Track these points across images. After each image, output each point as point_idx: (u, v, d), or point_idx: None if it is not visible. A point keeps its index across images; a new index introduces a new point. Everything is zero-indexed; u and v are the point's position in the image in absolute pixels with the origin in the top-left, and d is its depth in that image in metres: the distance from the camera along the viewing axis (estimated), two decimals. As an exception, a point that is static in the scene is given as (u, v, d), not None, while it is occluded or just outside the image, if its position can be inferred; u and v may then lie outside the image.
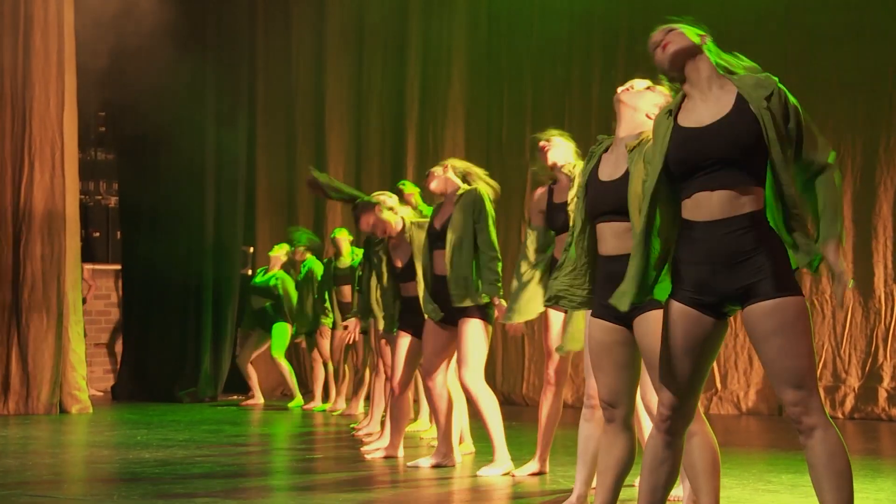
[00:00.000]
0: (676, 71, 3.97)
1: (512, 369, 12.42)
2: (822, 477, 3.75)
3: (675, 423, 3.93)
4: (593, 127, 11.14)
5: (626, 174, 4.35)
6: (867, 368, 10.69)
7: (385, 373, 8.64)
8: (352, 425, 9.92)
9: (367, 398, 10.47)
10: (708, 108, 3.88)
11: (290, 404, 12.35)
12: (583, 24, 12.26)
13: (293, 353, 13.67)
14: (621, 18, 11.98)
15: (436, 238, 7.26)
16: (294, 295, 12.13)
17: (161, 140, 13.19)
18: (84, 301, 12.34)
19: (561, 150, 6.63)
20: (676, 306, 3.88)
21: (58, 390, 11.13)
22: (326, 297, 11.60)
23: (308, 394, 12.64)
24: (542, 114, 12.10)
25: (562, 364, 6.70)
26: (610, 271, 4.31)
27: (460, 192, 7.27)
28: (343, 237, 11.28)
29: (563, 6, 12.38)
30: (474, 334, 7.10)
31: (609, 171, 4.44)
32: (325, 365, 12.02)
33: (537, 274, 6.57)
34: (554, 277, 4.60)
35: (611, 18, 12.04)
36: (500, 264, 7.15)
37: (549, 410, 6.78)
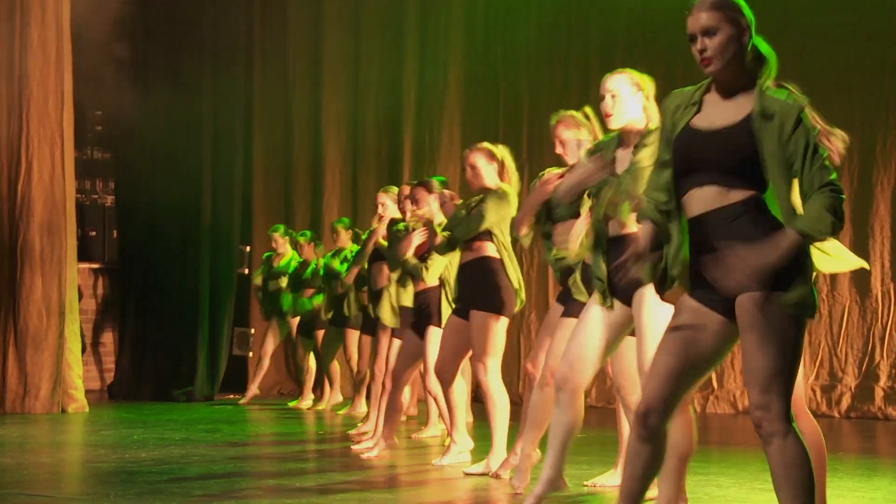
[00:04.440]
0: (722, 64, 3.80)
1: (508, 367, 12.39)
2: (780, 487, 3.69)
3: (652, 419, 3.83)
4: (590, 127, 11.12)
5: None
6: (864, 367, 10.70)
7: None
8: (353, 429, 9.88)
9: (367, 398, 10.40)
10: (725, 111, 3.81)
11: (292, 403, 12.28)
12: (580, 24, 12.25)
13: (291, 350, 13.58)
14: (619, 19, 11.97)
15: None
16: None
17: (157, 139, 13.19)
18: (80, 300, 12.33)
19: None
20: (687, 302, 3.82)
21: (58, 389, 11.12)
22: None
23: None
24: (539, 115, 12.06)
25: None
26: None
27: None
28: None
29: (560, 6, 12.37)
30: (481, 328, 7.11)
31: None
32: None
33: None
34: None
35: (608, 19, 12.03)
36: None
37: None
